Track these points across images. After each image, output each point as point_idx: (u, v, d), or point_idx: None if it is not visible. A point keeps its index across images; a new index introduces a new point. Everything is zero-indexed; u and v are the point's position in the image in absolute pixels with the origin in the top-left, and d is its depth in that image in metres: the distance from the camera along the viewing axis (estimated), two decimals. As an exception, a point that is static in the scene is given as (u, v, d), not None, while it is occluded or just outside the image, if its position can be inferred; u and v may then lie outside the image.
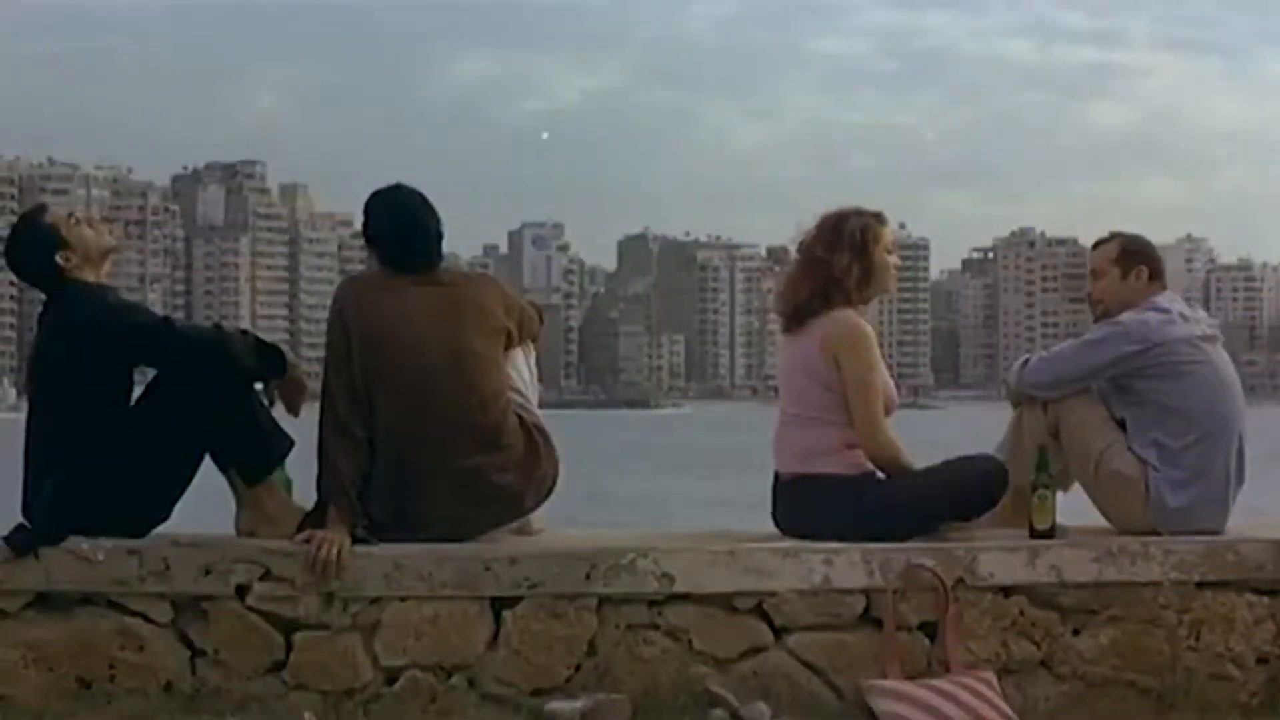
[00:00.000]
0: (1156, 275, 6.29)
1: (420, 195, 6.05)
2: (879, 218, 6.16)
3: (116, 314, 5.81)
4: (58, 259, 5.85)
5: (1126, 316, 6.16)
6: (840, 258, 6.02)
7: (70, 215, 5.96)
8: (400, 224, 5.97)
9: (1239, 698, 5.90)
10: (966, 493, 6.03)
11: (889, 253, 6.14)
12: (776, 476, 6.14)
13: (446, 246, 6.10)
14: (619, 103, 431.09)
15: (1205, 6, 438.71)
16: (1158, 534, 6.02)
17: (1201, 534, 6.03)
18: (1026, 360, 6.33)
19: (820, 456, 5.99)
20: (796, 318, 6.09)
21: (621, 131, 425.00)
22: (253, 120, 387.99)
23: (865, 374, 5.97)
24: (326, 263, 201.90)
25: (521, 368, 6.11)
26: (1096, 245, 6.41)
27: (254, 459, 5.92)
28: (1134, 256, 6.29)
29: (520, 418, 5.96)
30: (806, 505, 6.00)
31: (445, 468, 5.79)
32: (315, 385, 5.95)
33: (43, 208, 6.06)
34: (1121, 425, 6.15)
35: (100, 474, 5.70)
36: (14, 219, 6.16)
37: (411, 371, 5.79)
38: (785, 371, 6.18)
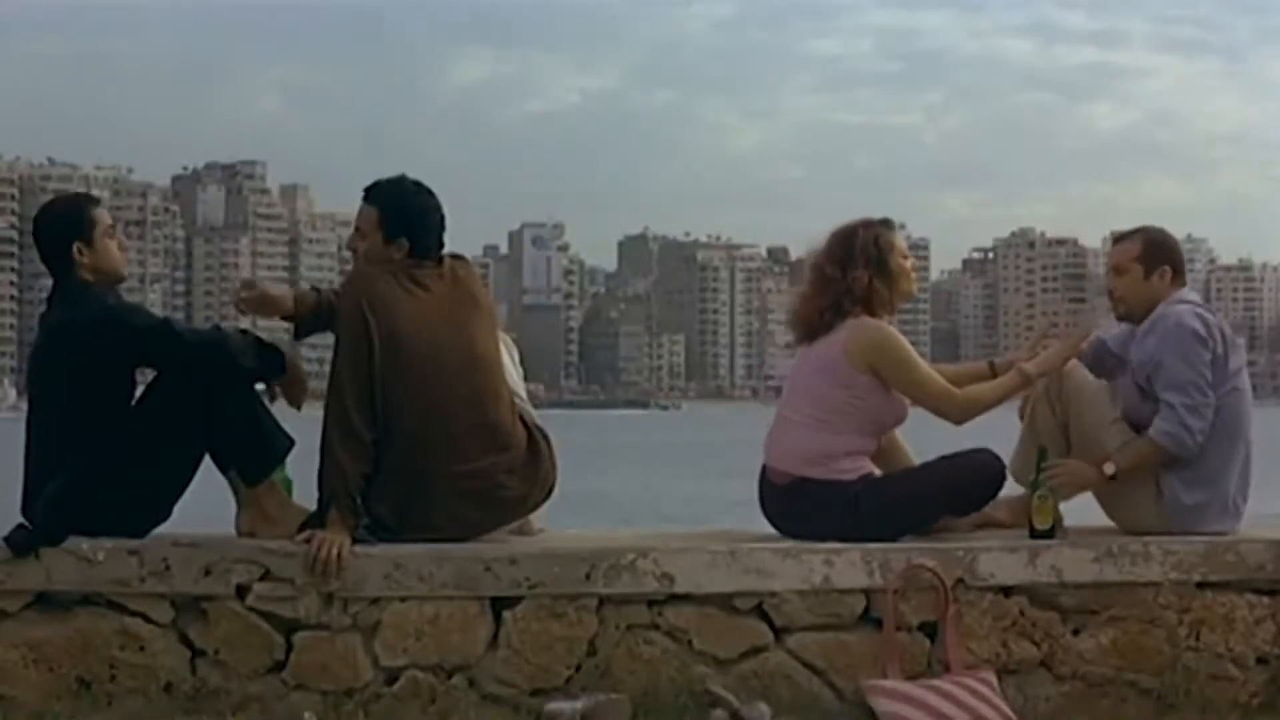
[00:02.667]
0: (1178, 273, 6.23)
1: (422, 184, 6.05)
2: (887, 224, 6.16)
3: (118, 315, 5.82)
4: (73, 248, 5.86)
5: (1183, 318, 6.03)
6: (859, 275, 6.01)
7: (111, 226, 6.00)
8: (428, 207, 5.93)
9: (1239, 698, 5.90)
10: (963, 489, 6.04)
11: (905, 257, 6.15)
12: (764, 475, 6.13)
13: (447, 247, 6.09)
14: (619, 103, 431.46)
15: (1205, 7, 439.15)
16: (1168, 533, 6.01)
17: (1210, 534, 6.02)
18: (1167, 431, 5.96)
19: (821, 463, 5.98)
20: (809, 334, 6.10)
21: (621, 131, 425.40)
22: (253, 120, 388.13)
23: (908, 367, 6.00)
24: (326, 263, 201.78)
25: (509, 365, 6.09)
26: (1119, 240, 6.31)
27: (254, 459, 5.91)
28: (1158, 255, 6.20)
29: (522, 418, 5.96)
30: (804, 510, 6.00)
31: (455, 470, 5.77)
32: (315, 384, 5.94)
33: (96, 201, 6.12)
34: (1133, 426, 6.11)
35: (102, 475, 5.70)
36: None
37: (430, 373, 5.76)
38: (798, 373, 6.17)
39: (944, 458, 6.09)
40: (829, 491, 5.95)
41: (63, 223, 5.95)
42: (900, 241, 6.16)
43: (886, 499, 5.94)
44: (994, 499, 6.11)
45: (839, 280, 6.03)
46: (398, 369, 5.74)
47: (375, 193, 5.96)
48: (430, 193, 5.99)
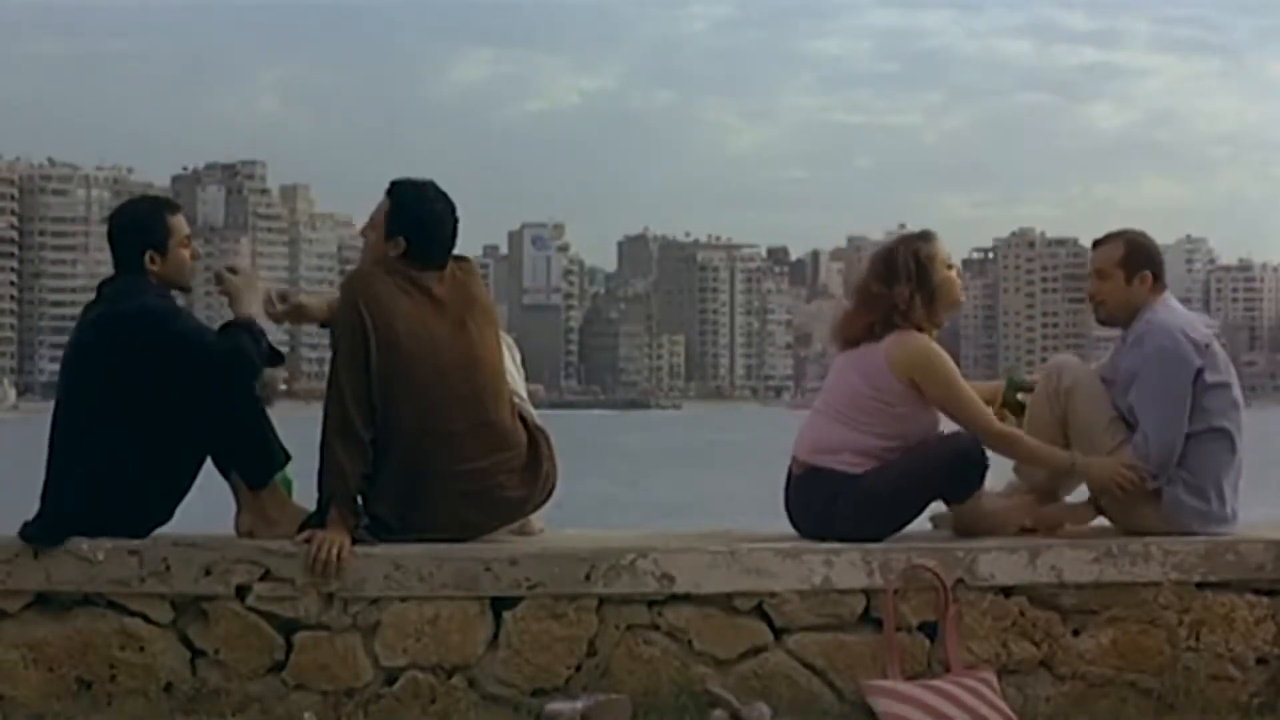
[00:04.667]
0: (1158, 277, 6.25)
1: (441, 191, 6.04)
2: (926, 237, 6.18)
3: (158, 317, 5.77)
4: (146, 255, 5.87)
5: (1167, 340, 6.05)
6: (901, 290, 6.03)
7: (187, 236, 5.99)
8: (437, 216, 5.94)
9: (1239, 698, 5.90)
10: (947, 474, 5.99)
11: (949, 268, 6.16)
12: (790, 465, 6.16)
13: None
14: (619, 103, 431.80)
15: (1205, 7, 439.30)
16: (1167, 533, 6.00)
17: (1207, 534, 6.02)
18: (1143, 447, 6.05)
19: (830, 452, 6.01)
20: (853, 344, 6.12)
21: (621, 131, 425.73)
22: (253, 120, 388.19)
23: (949, 384, 5.99)
24: (326, 263, 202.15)
25: (510, 366, 6.08)
26: (1099, 243, 6.33)
27: (258, 464, 5.91)
28: (1138, 261, 6.22)
29: (522, 419, 5.95)
30: (806, 500, 6.02)
31: (454, 470, 5.77)
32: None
33: (176, 209, 6.11)
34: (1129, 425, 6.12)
35: (113, 475, 5.70)
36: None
37: (428, 374, 5.76)
38: (835, 370, 6.21)
39: (923, 443, 6.03)
40: (830, 482, 5.95)
41: (139, 228, 5.93)
42: (942, 253, 6.17)
43: (873, 491, 5.91)
44: (982, 480, 6.05)
45: (885, 297, 6.05)
46: (395, 368, 5.75)
47: (394, 187, 6.00)
48: (447, 203, 5.97)
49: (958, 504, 6.10)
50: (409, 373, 5.75)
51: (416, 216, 5.91)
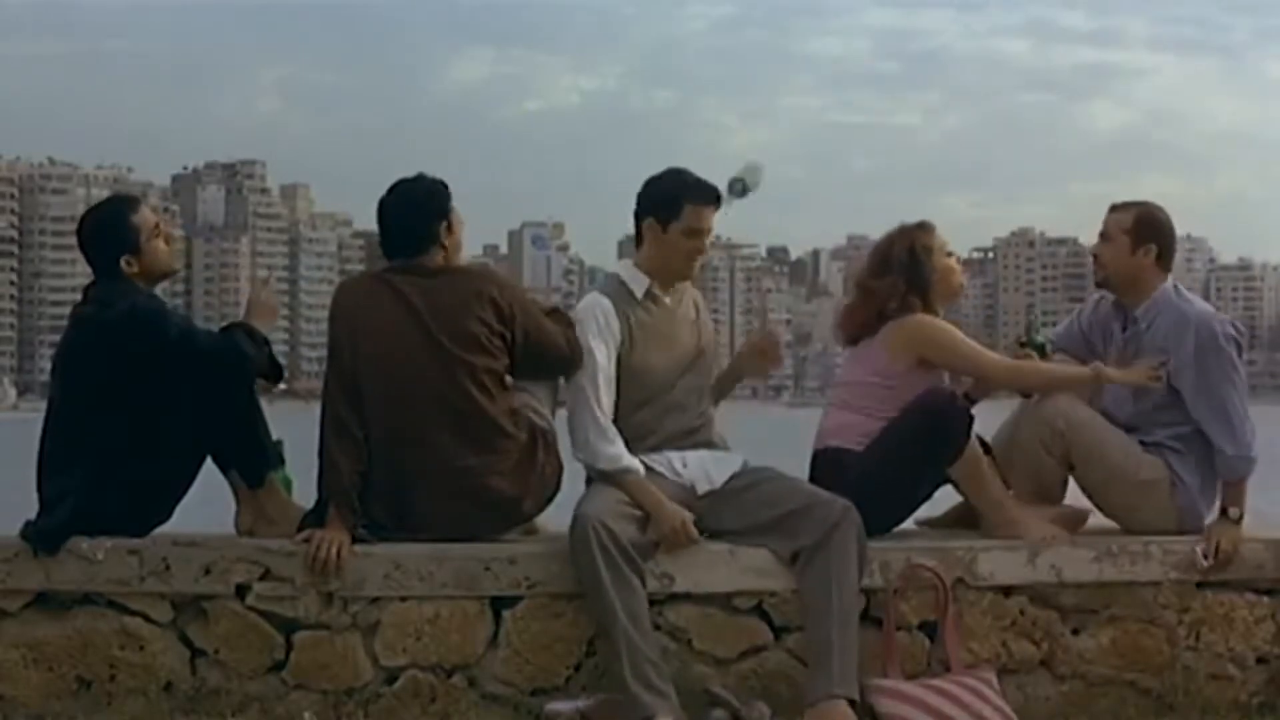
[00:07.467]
0: (1164, 255, 6.18)
1: (416, 185, 5.95)
2: (923, 227, 6.21)
3: (147, 318, 5.76)
4: (122, 261, 5.86)
5: (1214, 323, 6.04)
6: (892, 282, 6.09)
7: (156, 225, 5.97)
8: (381, 209, 5.94)
9: (1239, 698, 5.90)
10: (929, 434, 5.89)
11: (948, 255, 6.19)
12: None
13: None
14: (619, 103, 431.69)
15: (1205, 6, 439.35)
16: (1174, 532, 6.00)
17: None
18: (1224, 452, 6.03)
19: (841, 433, 6.06)
20: (854, 340, 6.21)
21: (621, 131, 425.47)
22: (253, 120, 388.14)
23: (956, 346, 6.05)
24: (326, 263, 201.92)
25: (541, 394, 6.03)
26: (1115, 208, 6.27)
27: (256, 461, 5.92)
28: (1146, 232, 6.17)
29: (520, 420, 5.90)
30: (821, 479, 6.00)
31: (439, 469, 5.76)
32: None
33: (136, 203, 6.08)
34: (1127, 425, 6.13)
35: (109, 475, 5.70)
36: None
37: (398, 372, 5.76)
38: (844, 366, 6.31)
39: (905, 409, 5.96)
40: (835, 458, 5.98)
41: (108, 236, 5.90)
42: (938, 241, 6.19)
43: (865, 469, 5.87)
44: (968, 431, 5.95)
45: (878, 290, 6.11)
46: (364, 367, 5.77)
47: None
48: (396, 194, 5.93)
49: (953, 463, 5.95)
50: (378, 373, 5.77)
51: (377, 211, 5.95)
